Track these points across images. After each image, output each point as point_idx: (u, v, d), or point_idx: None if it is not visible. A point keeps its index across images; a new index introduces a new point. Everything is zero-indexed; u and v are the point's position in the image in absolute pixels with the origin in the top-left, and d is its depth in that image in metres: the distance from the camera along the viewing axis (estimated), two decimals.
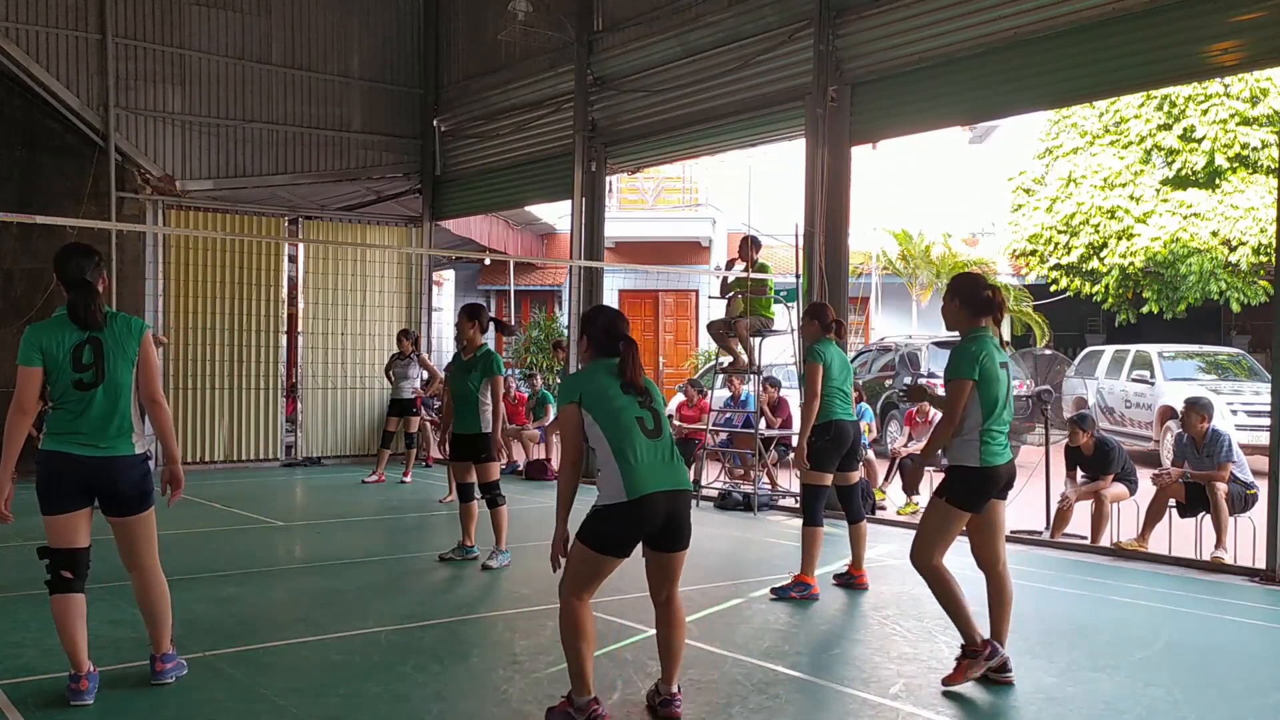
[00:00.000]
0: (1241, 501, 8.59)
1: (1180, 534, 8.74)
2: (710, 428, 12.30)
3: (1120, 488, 9.14)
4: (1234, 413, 14.16)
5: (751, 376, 11.44)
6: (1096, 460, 9.17)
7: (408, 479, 12.93)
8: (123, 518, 4.68)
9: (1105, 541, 8.94)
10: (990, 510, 5.10)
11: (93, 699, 4.59)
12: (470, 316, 7.89)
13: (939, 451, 5.20)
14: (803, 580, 6.84)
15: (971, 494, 5.01)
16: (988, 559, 5.17)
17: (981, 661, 4.97)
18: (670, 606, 4.44)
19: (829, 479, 7.09)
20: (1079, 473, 9.33)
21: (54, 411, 4.58)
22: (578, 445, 4.37)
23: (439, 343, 20.54)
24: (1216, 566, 8.05)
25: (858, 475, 7.41)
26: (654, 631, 4.60)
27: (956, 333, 5.24)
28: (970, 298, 5.12)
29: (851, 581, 7.15)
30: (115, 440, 4.58)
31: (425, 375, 13.12)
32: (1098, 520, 9.00)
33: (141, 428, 4.71)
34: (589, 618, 4.23)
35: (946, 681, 4.97)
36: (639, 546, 4.35)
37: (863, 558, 7.19)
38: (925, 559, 5.00)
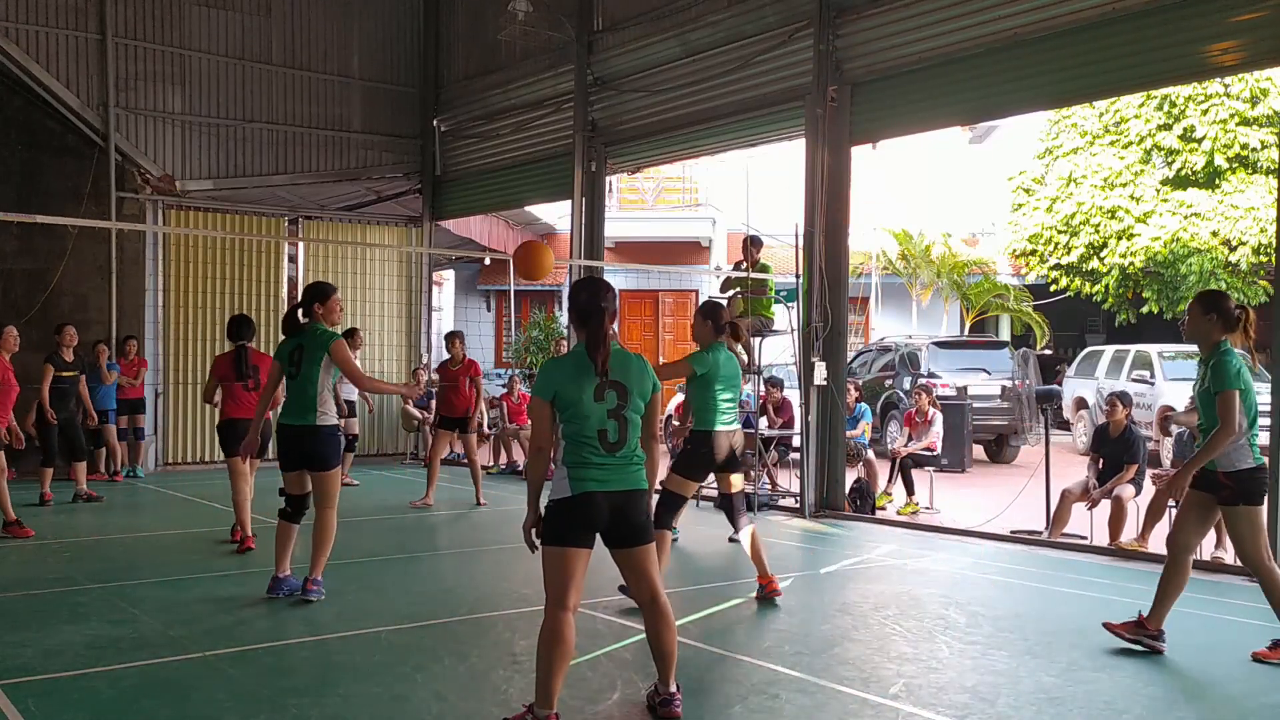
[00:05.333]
0: None
1: None
2: None
3: (1130, 487, 9.13)
4: None
5: (752, 376, 11.43)
6: (1119, 445, 9.16)
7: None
8: (313, 472, 6.50)
9: (1105, 541, 8.93)
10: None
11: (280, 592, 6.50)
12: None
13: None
14: None
15: (1262, 491, 5.56)
16: (1193, 545, 5.74)
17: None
18: (657, 607, 4.39)
19: (692, 489, 6.74)
20: (1099, 463, 9.30)
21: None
22: (547, 437, 4.32)
23: (439, 342, 20.54)
24: (1216, 566, 8.05)
25: (738, 483, 6.75)
26: None
27: (1196, 344, 5.73)
28: (1228, 313, 5.59)
29: (763, 593, 6.71)
30: (306, 415, 6.45)
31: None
32: (1117, 520, 8.96)
33: (330, 409, 6.53)
34: (569, 631, 4.15)
35: (1259, 656, 5.52)
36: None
37: (765, 565, 6.77)
38: (1263, 561, 5.50)
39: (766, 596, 6.69)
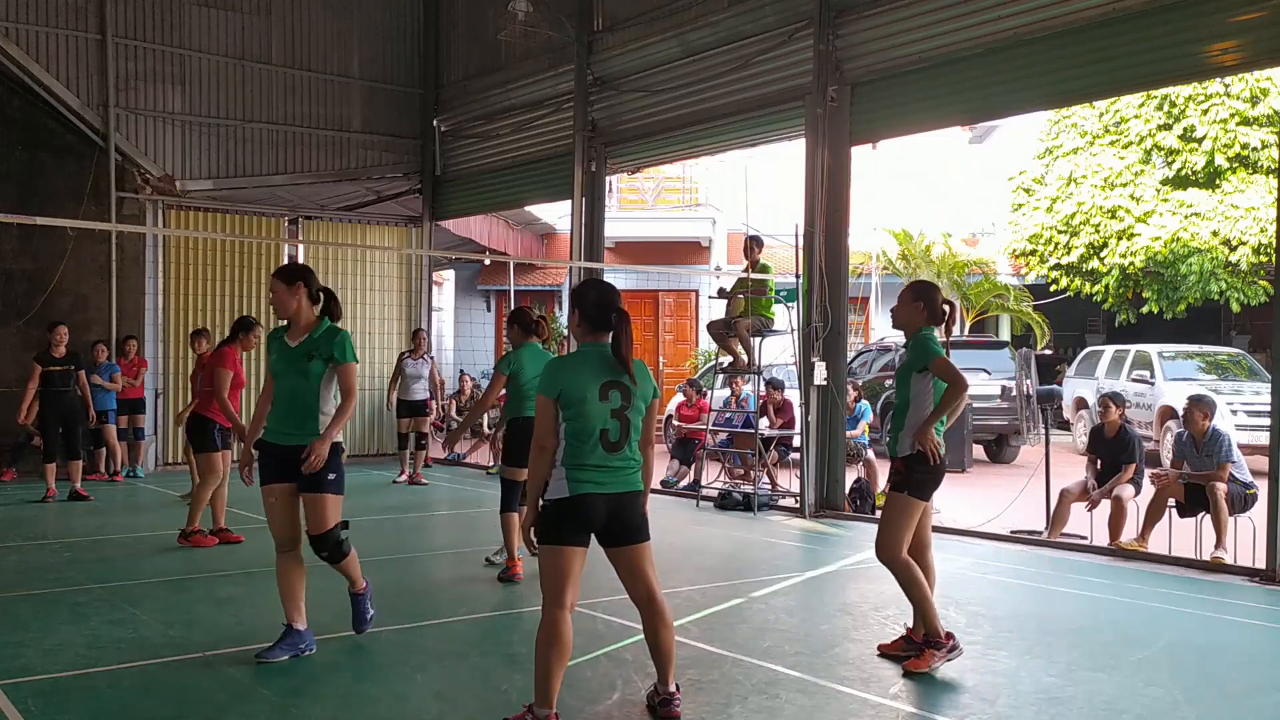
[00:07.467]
0: (1241, 501, 8.58)
1: (1180, 534, 8.74)
2: (710, 428, 12.31)
3: (1129, 487, 9.12)
4: (1234, 413, 14.16)
5: (752, 376, 11.44)
6: (1115, 446, 9.16)
7: (414, 480, 12.86)
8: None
9: (1105, 541, 8.93)
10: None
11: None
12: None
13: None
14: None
15: (928, 485, 5.28)
16: (926, 545, 5.51)
17: (945, 653, 5.19)
18: (653, 606, 4.38)
19: (523, 474, 6.76)
20: (1097, 464, 9.31)
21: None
22: (552, 435, 4.27)
23: (439, 341, 20.58)
24: (1216, 566, 8.05)
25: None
26: None
27: (901, 330, 5.53)
28: (935, 305, 5.43)
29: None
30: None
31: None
32: (1117, 520, 8.96)
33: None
34: (567, 630, 4.15)
35: (911, 666, 5.17)
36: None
37: (514, 548, 7.23)
38: (898, 553, 5.22)
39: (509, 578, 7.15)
